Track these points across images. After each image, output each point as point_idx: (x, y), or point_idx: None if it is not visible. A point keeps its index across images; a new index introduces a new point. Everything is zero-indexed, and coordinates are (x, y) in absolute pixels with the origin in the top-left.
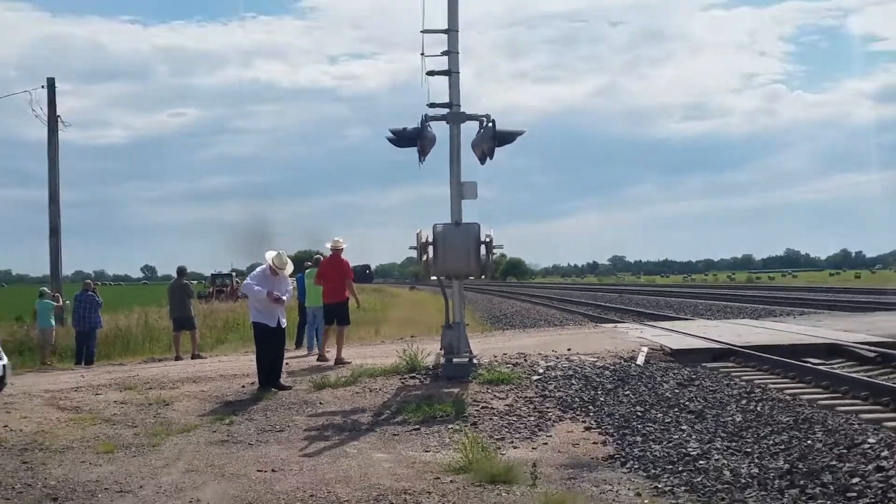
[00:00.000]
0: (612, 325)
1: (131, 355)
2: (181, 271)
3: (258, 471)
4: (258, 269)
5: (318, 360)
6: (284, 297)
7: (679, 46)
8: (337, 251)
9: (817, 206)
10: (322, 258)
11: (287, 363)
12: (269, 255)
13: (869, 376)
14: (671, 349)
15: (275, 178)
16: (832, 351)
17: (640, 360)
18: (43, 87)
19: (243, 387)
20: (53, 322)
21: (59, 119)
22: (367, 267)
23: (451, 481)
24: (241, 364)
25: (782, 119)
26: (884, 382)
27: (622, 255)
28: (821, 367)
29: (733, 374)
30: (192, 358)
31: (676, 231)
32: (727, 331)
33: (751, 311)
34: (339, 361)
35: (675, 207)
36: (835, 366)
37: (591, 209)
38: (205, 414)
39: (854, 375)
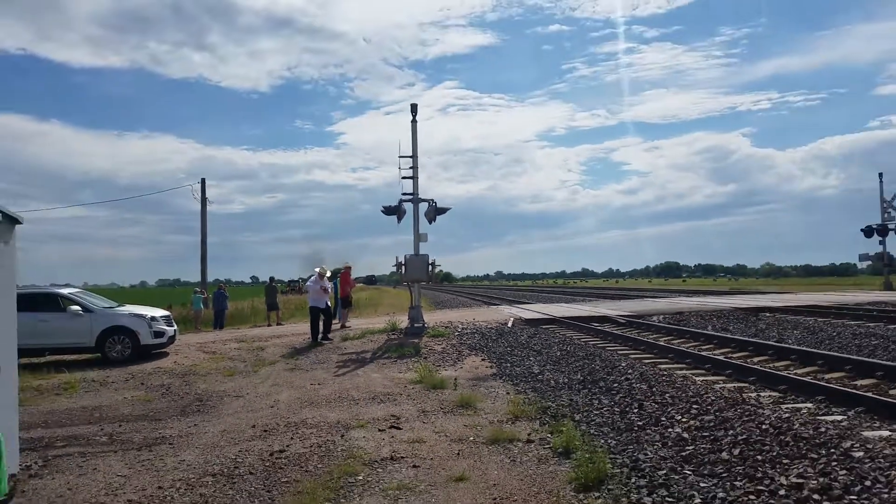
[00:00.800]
0: (496, 306)
1: (243, 324)
2: (271, 279)
3: (310, 384)
4: (313, 276)
5: (341, 327)
6: (329, 289)
7: (529, 166)
8: (347, 269)
9: (599, 248)
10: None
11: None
12: (318, 268)
13: (621, 331)
14: (525, 318)
15: (323, 230)
16: (604, 319)
17: (510, 324)
18: (198, 182)
19: (304, 341)
20: (202, 306)
21: (207, 199)
22: (373, 276)
23: (413, 388)
24: (304, 329)
25: (579, 203)
26: (626, 334)
27: (502, 270)
28: (598, 327)
29: (556, 331)
30: (277, 325)
31: (530, 258)
32: (552, 309)
33: (567, 299)
34: (343, 326)
35: (528, 247)
36: (605, 326)
37: (486, 248)
38: (283, 354)
39: (615, 331)
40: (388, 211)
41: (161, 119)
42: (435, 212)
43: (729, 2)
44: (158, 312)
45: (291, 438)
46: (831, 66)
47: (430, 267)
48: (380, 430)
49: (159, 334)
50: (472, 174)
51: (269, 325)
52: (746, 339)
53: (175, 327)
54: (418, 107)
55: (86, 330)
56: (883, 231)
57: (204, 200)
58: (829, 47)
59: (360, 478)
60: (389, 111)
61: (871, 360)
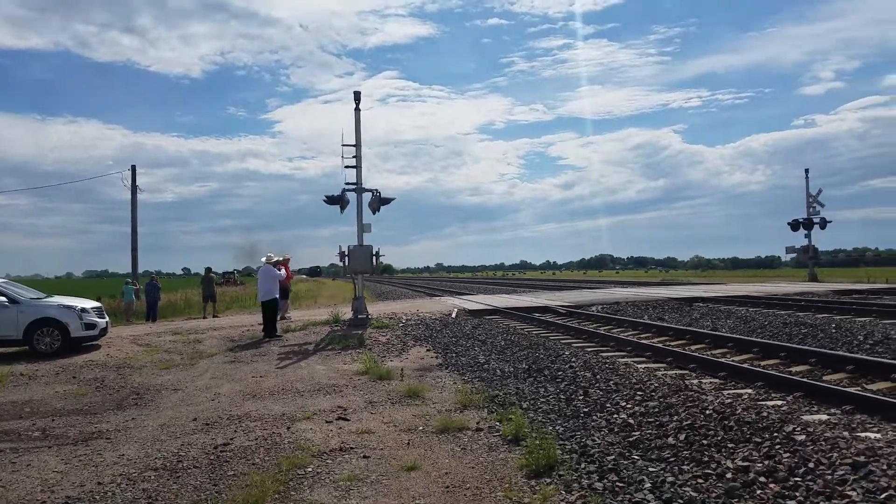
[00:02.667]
0: (439, 297)
1: (177, 316)
2: (208, 270)
3: (252, 377)
4: (266, 269)
5: (280, 318)
6: (281, 277)
7: (469, 159)
8: (286, 261)
9: (536, 240)
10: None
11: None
12: (267, 256)
13: (562, 321)
14: (468, 309)
15: (258, 221)
16: (546, 309)
17: (454, 315)
18: (128, 170)
19: (243, 333)
20: (134, 297)
21: (137, 187)
22: (318, 267)
23: (358, 379)
24: (243, 320)
25: (517, 197)
26: (567, 324)
27: (441, 262)
28: (540, 317)
29: (499, 321)
30: (213, 317)
31: (469, 249)
32: (494, 300)
33: (507, 290)
34: (282, 317)
35: (467, 238)
36: (547, 316)
37: (425, 240)
38: (222, 347)
39: (556, 321)
40: (331, 200)
41: (86, 104)
42: (379, 202)
43: (662, 1)
44: (89, 304)
45: (235, 431)
46: (759, 65)
47: (375, 257)
48: (327, 422)
49: (90, 326)
50: (412, 166)
51: (204, 318)
52: (683, 327)
53: (107, 319)
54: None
55: (12, 322)
56: (808, 224)
57: (134, 188)
58: (757, 48)
59: (310, 469)
60: (328, 100)
61: (803, 347)
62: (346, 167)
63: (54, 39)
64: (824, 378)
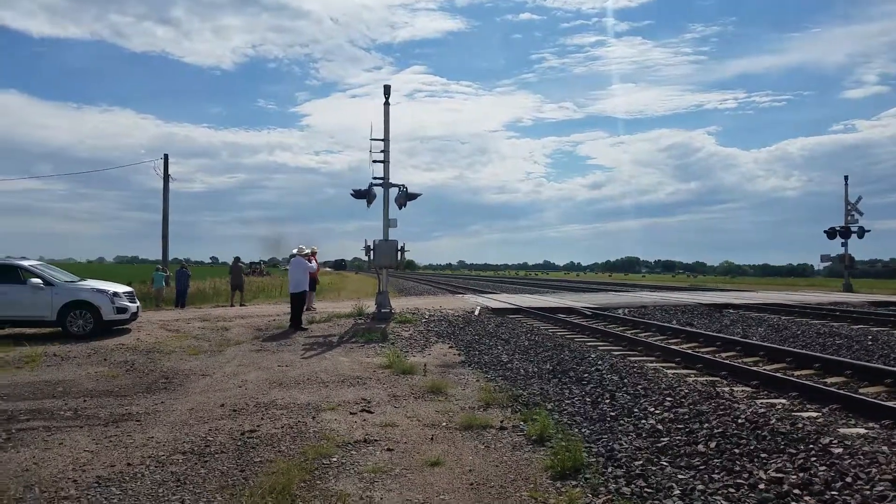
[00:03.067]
0: (461, 295)
1: (206, 303)
2: (237, 259)
3: (278, 366)
4: (297, 260)
5: (306, 310)
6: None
7: (495, 156)
8: (313, 253)
9: (561, 241)
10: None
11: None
12: (301, 248)
13: (587, 323)
14: (491, 308)
15: (284, 213)
16: (570, 310)
17: (477, 312)
18: (160, 159)
19: (269, 322)
20: (164, 284)
21: (170, 176)
22: (342, 260)
23: (382, 372)
24: (269, 310)
25: (544, 196)
26: (593, 326)
27: (464, 259)
28: (564, 318)
29: (522, 320)
30: (240, 306)
31: (492, 248)
32: (518, 299)
33: (530, 290)
34: (308, 308)
35: (491, 237)
36: (571, 317)
37: (449, 236)
38: (249, 335)
39: (581, 323)
40: (358, 195)
41: (121, 93)
42: (406, 197)
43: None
44: (121, 288)
45: (262, 419)
46: (799, 67)
47: (400, 252)
48: (351, 414)
49: (122, 310)
50: (438, 162)
51: (232, 306)
52: (713, 334)
53: (138, 304)
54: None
55: (46, 303)
56: (845, 233)
57: (167, 177)
58: (798, 49)
59: (335, 459)
60: (355, 94)
61: (839, 358)
62: (374, 161)
63: (91, 29)
64: (861, 391)
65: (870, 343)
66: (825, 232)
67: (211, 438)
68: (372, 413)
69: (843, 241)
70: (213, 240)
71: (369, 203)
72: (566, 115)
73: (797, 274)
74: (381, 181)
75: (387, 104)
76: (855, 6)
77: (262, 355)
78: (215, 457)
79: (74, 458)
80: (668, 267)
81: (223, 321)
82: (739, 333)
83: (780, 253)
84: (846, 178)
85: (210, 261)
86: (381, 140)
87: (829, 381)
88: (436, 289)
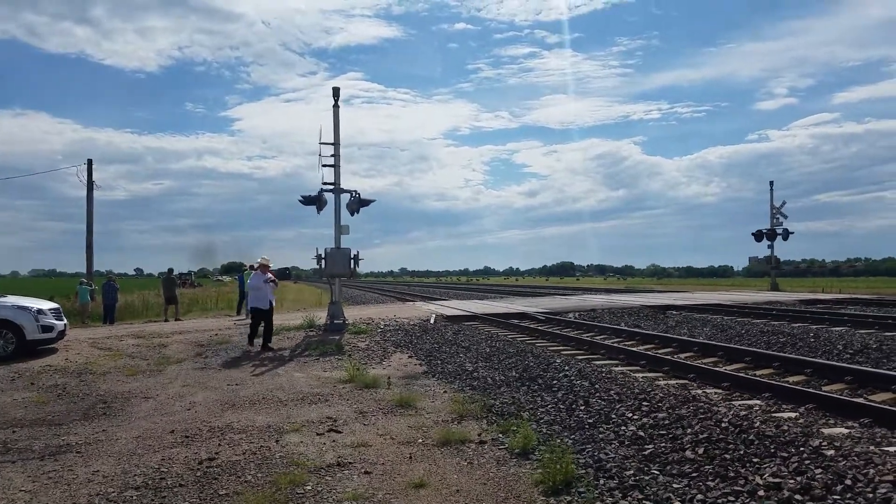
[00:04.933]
0: (412, 302)
1: (136, 318)
2: (170, 271)
3: (227, 384)
4: (258, 274)
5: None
6: (275, 284)
7: (435, 164)
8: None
9: (500, 247)
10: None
11: (234, 324)
12: (260, 259)
13: (544, 328)
14: (446, 315)
15: (214, 221)
16: (523, 315)
17: (432, 320)
18: (83, 164)
19: (210, 337)
20: (89, 298)
21: (94, 183)
22: (287, 269)
23: (343, 387)
24: (207, 324)
25: (482, 203)
26: (550, 330)
27: (406, 266)
28: (520, 323)
29: (479, 327)
30: (175, 321)
31: (433, 255)
32: (470, 306)
33: (478, 296)
34: None
35: (432, 244)
36: (526, 322)
37: (390, 244)
38: (189, 352)
39: (538, 328)
40: (308, 201)
41: (36, 96)
42: (359, 203)
43: (626, 14)
44: (46, 305)
45: (219, 445)
46: (716, 81)
47: (353, 261)
48: (318, 434)
49: (47, 328)
50: (377, 169)
51: (166, 321)
52: (670, 336)
53: (65, 321)
54: (323, 96)
55: None
56: (772, 235)
57: (90, 184)
58: (715, 63)
59: (309, 488)
60: (289, 98)
61: (799, 357)
62: (325, 166)
63: (2, 28)
64: (824, 388)
65: (812, 340)
66: (752, 234)
67: (165, 469)
68: (340, 433)
69: (769, 242)
70: (137, 250)
71: (319, 209)
72: (502, 124)
73: (718, 275)
74: (332, 187)
75: (336, 107)
76: (764, 24)
77: (207, 374)
78: (173, 491)
79: (10, 499)
80: (600, 270)
81: (159, 337)
82: (686, 334)
83: (702, 255)
84: (771, 183)
85: (134, 272)
86: (332, 144)
87: (791, 380)
88: (383, 297)
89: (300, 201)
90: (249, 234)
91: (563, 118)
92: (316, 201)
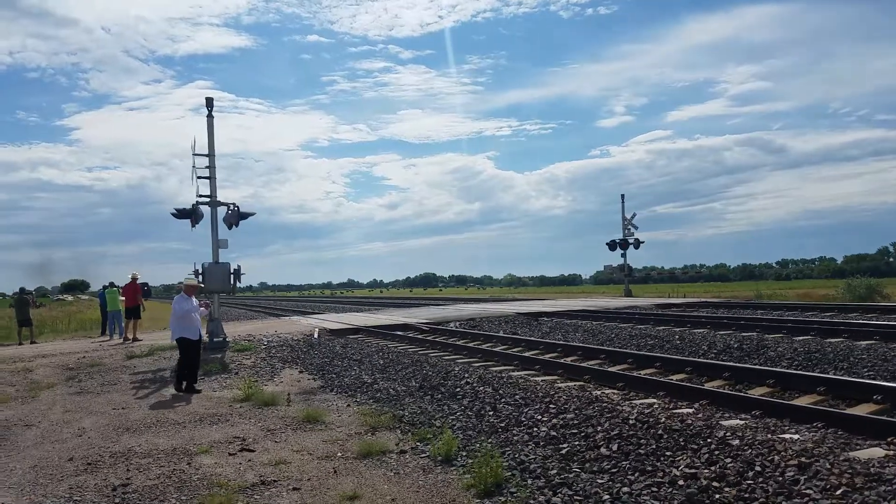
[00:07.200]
0: (287, 317)
1: None
2: (23, 290)
3: (112, 409)
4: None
5: (123, 341)
6: (206, 310)
7: (292, 175)
8: (134, 279)
9: (363, 259)
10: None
11: (100, 345)
12: (186, 280)
13: (431, 338)
14: (329, 329)
15: (51, 236)
16: (406, 326)
17: (316, 334)
18: None
19: (78, 360)
20: None
21: None
22: (146, 284)
23: (240, 406)
24: (69, 346)
25: (343, 216)
26: (438, 340)
27: (267, 281)
28: (405, 334)
29: (366, 339)
30: (31, 343)
31: (294, 268)
32: (349, 318)
33: (353, 309)
34: (136, 339)
35: (292, 257)
36: (410, 333)
37: (246, 257)
38: (60, 376)
39: (425, 338)
40: (182, 214)
41: None
42: (238, 217)
43: (474, 33)
44: None
45: (128, 470)
46: (561, 99)
47: (233, 276)
48: (230, 455)
49: None
50: (231, 180)
51: (20, 344)
52: (552, 341)
53: None
54: (171, 104)
55: None
56: (625, 245)
57: None
58: (559, 83)
59: None
60: (133, 107)
61: (679, 357)
62: (199, 178)
63: None
64: (706, 385)
65: (678, 341)
66: (607, 244)
67: (78, 498)
68: (254, 451)
69: (622, 251)
70: None
71: (194, 223)
72: (361, 136)
73: (569, 283)
74: (208, 199)
75: (210, 117)
76: (601, 47)
77: (86, 398)
78: None
79: None
80: (460, 281)
81: (21, 362)
82: (560, 338)
83: (552, 264)
84: (622, 196)
85: None
86: (206, 155)
87: (674, 378)
88: (253, 312)
89: (173, 214)
90: (91, 249)
91: (420, 132)
92: (191, 214)
